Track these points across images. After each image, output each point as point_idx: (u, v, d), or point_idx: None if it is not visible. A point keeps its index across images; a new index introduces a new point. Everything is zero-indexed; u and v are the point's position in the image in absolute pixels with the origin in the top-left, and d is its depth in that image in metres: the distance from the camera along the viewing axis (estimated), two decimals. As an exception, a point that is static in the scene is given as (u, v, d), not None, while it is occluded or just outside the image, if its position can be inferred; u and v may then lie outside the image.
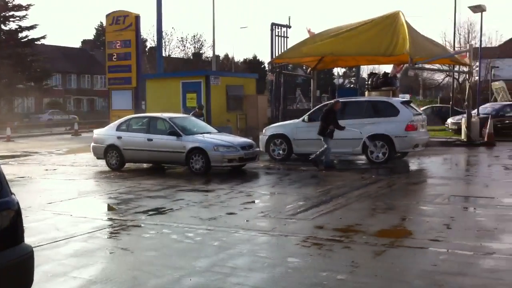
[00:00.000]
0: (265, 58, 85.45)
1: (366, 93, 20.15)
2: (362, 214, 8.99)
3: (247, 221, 8.57)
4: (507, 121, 25.45)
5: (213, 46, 39.91)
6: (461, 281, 5.60)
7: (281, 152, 16.69)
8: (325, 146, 14.46)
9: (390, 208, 9.47)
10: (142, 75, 25.14)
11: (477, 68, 31.04)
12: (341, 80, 79.21)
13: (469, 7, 23.42)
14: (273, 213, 9.18)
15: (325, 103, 19.65)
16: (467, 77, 23.75)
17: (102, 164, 16.09)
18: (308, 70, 23.89)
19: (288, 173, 14.31)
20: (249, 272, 6.06)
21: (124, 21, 24.67)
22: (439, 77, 49.90)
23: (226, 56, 68.77)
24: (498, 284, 5.49)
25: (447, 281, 5.59)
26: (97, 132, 16.35)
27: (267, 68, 29.95)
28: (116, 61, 25.02)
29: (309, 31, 22.39)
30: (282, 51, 22.44)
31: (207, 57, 55.49)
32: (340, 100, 16.25)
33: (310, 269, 6.09)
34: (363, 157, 15.76)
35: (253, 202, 10.44)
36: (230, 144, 14.21)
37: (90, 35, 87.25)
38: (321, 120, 14.55)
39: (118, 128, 15.68)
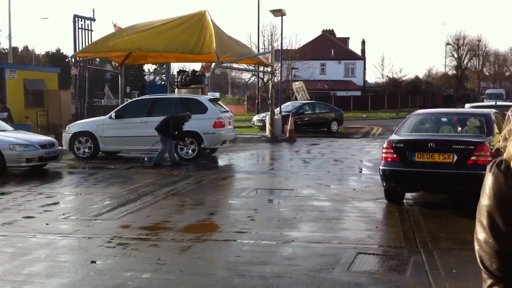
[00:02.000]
0: (70, 51, 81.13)
1: (176, 90, 20.15)
2: (170, 211, 8.93)
3: (46, 224, 7.98)
4: (306, 118, 27.66)
5: (9, 36, 36.68)
6: (263, 269, 5.83)
7: (86, 150, 15.91)
8: (163, 147, 14.28)
9: (198, 204, 9.57)
10: None
11: (279, 69, 33.06)
12: (152, 77, 78.65)
13: (271, 11, 24.79)
14: (76, 214, 8.68)
15: (134, 99, 19.23)
16: (270, 77, 25.13)
17: None
18: (116, 66, 23.19)
19: (94, 172, 13.70)
20: (47, 278, 5.62)
21: None
22: (246, 76, 52.08)
23: (26, 48, 63.78)
24: (295, 270, 5.82)
25: (250, 270, 5.78)
26: None
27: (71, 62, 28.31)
28: None
29: (115, 26, 21.70)
30: (87, 44, 21.43)
31: (4, 49, 50.79)
32: (150, 97, 16.06)
33: (114, 270, 5.84)
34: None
35: (55, 204, 9.74)
36: (29, 142, 13.16)
37: None
38: (171, 126, 14.12)
39: None
